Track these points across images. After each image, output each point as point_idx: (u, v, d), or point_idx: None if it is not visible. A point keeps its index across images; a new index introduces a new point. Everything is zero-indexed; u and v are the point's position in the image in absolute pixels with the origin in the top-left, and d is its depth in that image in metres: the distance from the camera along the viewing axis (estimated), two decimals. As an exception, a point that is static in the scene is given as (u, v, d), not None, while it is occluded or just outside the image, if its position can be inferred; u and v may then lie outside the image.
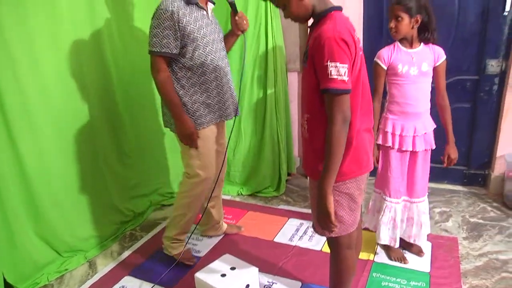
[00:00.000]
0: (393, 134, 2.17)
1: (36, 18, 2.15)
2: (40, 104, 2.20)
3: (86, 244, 2.50)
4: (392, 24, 2.04)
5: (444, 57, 2.14)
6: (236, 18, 2.15)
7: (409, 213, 2.26)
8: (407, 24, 2.03)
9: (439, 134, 2.23)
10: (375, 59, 2.16)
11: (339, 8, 1.48)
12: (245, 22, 2.16)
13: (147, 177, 2.97)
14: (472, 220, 2.70)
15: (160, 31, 1.96)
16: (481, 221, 2.68)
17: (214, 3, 2.17)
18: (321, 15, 1.44)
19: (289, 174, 3.40)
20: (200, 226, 2.61)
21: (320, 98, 1.41)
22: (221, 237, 2.63)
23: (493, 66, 2.80)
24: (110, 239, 2.63)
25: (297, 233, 2.62)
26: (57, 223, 2.35)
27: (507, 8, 2.64)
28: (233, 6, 2.13)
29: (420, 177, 2.22)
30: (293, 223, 2.75)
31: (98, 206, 2.59)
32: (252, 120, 3.21)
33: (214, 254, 2.40)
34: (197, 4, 2.04)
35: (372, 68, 2.14)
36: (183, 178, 2.24)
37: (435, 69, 2.15)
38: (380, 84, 2.18)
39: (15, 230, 2.16)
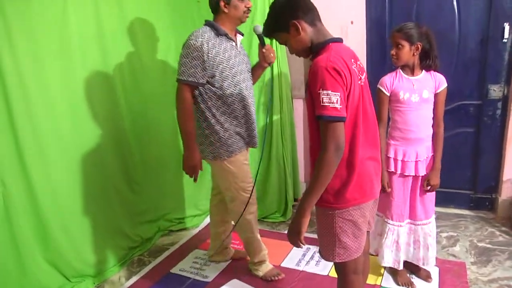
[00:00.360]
0: (395, 160, 2.21)
1: (48, 49, 2.23)
2: (51, 132, 2.26)
3: (94, 269, 2.52)
4: (393, 52, 2.11)
5: (445, 85, 2.19)
6: (264, 50, 2.21)
7: (415, 236, 2.26)
8: (407, 52, 2.09)
9: (443, 160, 2.25)
10: (378, 86, 2.22)
11: (338, 40, 1.53)
12: (272, 54, 2.23)
13: (155, 203, 3.00)
14: (480, 244, 2.69)
15: (189, 60, 2.03)
16: (489, 245, 2.67)
17: (243, 35, 2.25)
18: (319, 47, 1.50)
19: (295, 200, 3.42)
20: (208, 251, 2.63)
21: (319, 125, 1.45)
22: (228, 262, 2.64)
23: (495, 91, 2.85)
24: (118, 264, 2.65)
25: (304, 258, 2.62)
26: (65, 248, 2.37)
27: (506, 35, 2.70)
28: (261, 38, 2.18)
29: (422, 201, 2.24)
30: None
31: (106, 231, 2.62)
32: (259, 146, 3.24)
33: (222, 279, 2.41)
34: (226, 35, 2.12)
35: (376, 95, 2.20)
36: (231, 202, 2.30)
37: (435, 96, 2.19)
38: (384, 111, 2.23)
39: (24, 255, 2.18)
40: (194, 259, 2.72)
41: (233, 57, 2.13)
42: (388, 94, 2.19)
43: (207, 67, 2.05)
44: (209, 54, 2.04)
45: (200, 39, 2.04)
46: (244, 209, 2.21)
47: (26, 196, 2.20)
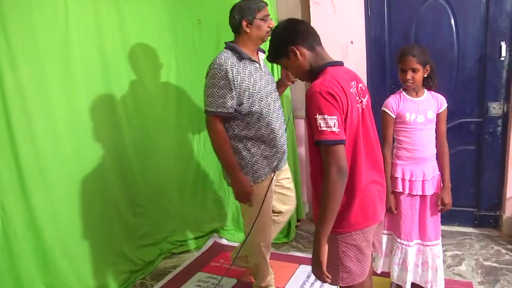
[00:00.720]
0: (403, 180, 2.21)
1: (51, 70, 2.24)
2: (52, 155, 2.25)
3: (96, 294, 2.47)
4: (409, 76, 2.13)
5: (446, 104, 2.23)
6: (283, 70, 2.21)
7: (423, 257, 2.24)
8: (421, 75, 2.14)
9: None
10: (383, 108, 2.23)
11: (337, 63, 1.54)
12: (292, 78, 2.22)
13: (158, 226, 2.96)
14: (486, 263, 2.66)
15: (216, 90, 1.98)
16: (496, 264, 2.64)
17: (264, 52, 2.19)
18: (317, 71, 1.52)
19: (298, 220, 3.39)
20: (233, 252, 2.61)
21: (318, 149, 1.45)
22: (233, 283, 2.60)
23: (495, 108, 2.87)
24: (120, 288, 2.60)
25: (308, 280, 2.58)
26: (66, 272, 2.33)
27: (503, 53, 2.74)
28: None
29: (431, 220, 2.22)
30: (304, 269, 2.71)
31: (108, 255, 2.58)
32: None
33: (226, 302, 2.37)
34: (249, 58, 2.08)
35: (380, 117, 2.22)
36: (246, 227, 2.27)
37: (437, 116, 2.22)
38: (389, 133, 2.25)
39: (23, 279, 2.15)
40: (197, 282, 2.67)
41: (258, 80, 2.08)
42: (394, 116, 2.21)
43: (235, 96, 2.00)
44: (235, 82, 1.99)
45: (224, 67, 1.98)
46: (249, 233, 2.18)
47: (26, 220, 2.17)
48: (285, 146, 2.24)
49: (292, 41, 1.52)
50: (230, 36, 2.88)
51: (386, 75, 3.04)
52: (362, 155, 1.49)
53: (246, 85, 2.04)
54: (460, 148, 3.00)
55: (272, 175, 2.17)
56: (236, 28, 2.12)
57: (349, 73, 1.56)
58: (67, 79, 2.33)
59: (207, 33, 2.97)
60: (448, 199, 2.19)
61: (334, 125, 1.36)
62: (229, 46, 2.11)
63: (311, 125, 1.42)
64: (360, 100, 1.53)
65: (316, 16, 2.97)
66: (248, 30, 2.08)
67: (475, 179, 3.05)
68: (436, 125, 2.23)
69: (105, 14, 2.52)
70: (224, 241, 3.23)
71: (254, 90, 2.06)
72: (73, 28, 2.33)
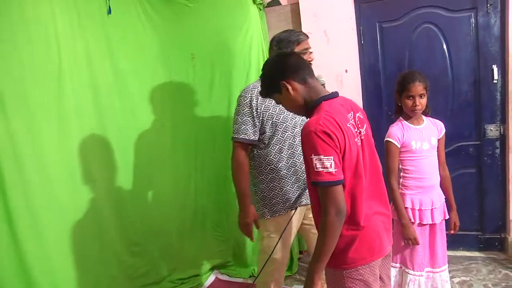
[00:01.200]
0: (413, 209, 2.19)
1: (43, 112, 2.15)
2: (45, 200, 2.14)
3: None
4: (418, 102, 2.13)
5: (444, 130, 2.25)
6: None
7: (433, 284, 2.22)
8: (426, 100, 2.16)
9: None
10: (388, 139, 2.21)
11: (332, 96, 1.50)
12: None
13: (157, 265, 2.86)
14: (496, 289, 2.62)
15: (240, 117, 2.02)
16: (506, 289, 2.60)
17: None
18: (312, 106, 1.49)
19: (300, 252, 3.31)
20: None
21: (316, 188, 1.42)
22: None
23: (492, 130, 2.88)
24: (120, 334, 2.48)
25: (318, 316, 2.49)
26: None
27: (496, 76, 2.78)
28: None
29: (440, 246, 2.21)
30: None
31: (106, 299, 2.47)
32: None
33: None
34: None
35: (385, 147, 2.21)
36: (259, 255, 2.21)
37: (438, 142, 2.23)
38: (395, 163, 2.23)
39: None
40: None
41: (285, 111, 2.04)
42: (399, 146, 2.20)
43: (258, 123, 2.01)
44: (258, 110, 2.00)
45: (249, 95, 2.02)
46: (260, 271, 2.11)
47: (17, 271, 2.01)
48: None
49: (283, 75, 1.50)
50: (225, 70, 2.91)
51: (382, 102, 3.05)
52: (363, 188, 1.46)
53: (270, 113, 2.03)
54: (461, 171, 2.99)
55: (293, 211, 2.09)
56: None
57: (345, 104, 1.52)
58: (60, 120, 2.24)
59: (200, 67, 2.95)
60: (457, 220, 2.25)
61: (331, 165, 1.34)
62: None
63: (308, 165, 1.40)
64: (358, 131, 1.50)
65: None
66: None
67: (478, 202, 3.03)
68: (437, 150, 2.24)
69: (97, 51, 2.49)
70: (225, 277, 3.14)
71: (278, 120, 2.03)
72: (65, 68, 2.26)
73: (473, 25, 2.80)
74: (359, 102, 3.05)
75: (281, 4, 3.09)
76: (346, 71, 2.96)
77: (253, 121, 2.01)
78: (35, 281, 2.06)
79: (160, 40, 2.90)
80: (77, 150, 2.35)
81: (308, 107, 1.50)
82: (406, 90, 2.17)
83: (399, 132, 2.21)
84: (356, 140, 1.46)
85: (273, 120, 2.03)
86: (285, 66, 1.52)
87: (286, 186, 2.06)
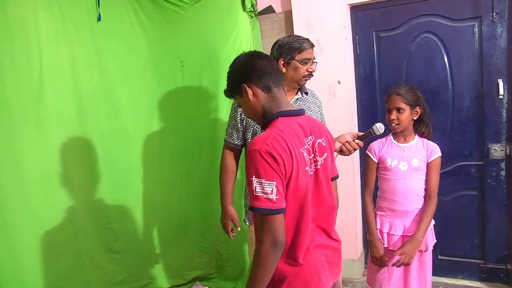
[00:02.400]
0: (381, 232, 2.04)
1: (21, 114, 2.16)
2: (16, 199, 2.13)
3: None
4: (394, 116, 1.99)
5: (438, 154, 2.04)
6: (356, 141, 1.91)
7: None
8: (408, 116, 1.99)
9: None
10: (367, 151, 2.12)
11: (292, 113, 1.37)
12: (353, 151, 1.93)
13: (136, 272, 2.81)
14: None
15: (229, 120, 2.07)
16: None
17: (307, 93, 2.10)
18: (268, 120, 1.37)
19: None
20: None
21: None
22: None
23: (496, 150, 2.63)
24: None
25: None
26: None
27: (501, 91, 2.54)
28: (367, 136, 1.93)
29: (415, 281, 2.02)
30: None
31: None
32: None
33: None
34: None
35: (364, 160, 2.11)
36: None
37: (428, 166, 2.03)
38: (371, 178, 2.11)
39: None
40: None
41: None
42: (376, 161, 2.08)
43: (240, 129, 2.02)
44: (242, 116, 2.00)
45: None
46: None
47: None
48: None
49: (245, 77, 1.39)
50: (213, 78, 2.86)
51: (377, 116, 2.87)
52: (308, 222, 1.33)
53: (251, 121, 1.96)
54: (461, 193, 2.76)
55: None
56: None
57: (307, 126, 1.38)
58: (38, 125, 2.25)
59: (189, 75, 2.91)
60: (408, 250, 1.91)
61: (272, 191, 1.21)
62: None
63: (248, 187, 1.28)
64: (313, 159, 1.37)
65: (302, 55, 2.87)
66: (284, 70, 1.99)
67: (479, 227, 2.77)
68: (426, 175, 2.05)
69: (83, 57, 2.50)
70: (208, 290, 3.07)
71: (259, 128, 1.95)
72: (46, 74, 2.26)
73: (476, 35, 2.59)
74: (353, 115, 2.90)
75: (275, 12, 3.00)
76: (339, 82, 2.82)
77: (237, 126, 2.01)
78: (3, 284, 2.07)
79: (150, 47, 2.88)
80: (55, 154, 2.36)
81: (265, 119, 1.39)
82: (386, 103, 2.04)
83: (377, 146, 2.09)
84: (307, 168, 1.33)
85: (254, 128, 1.97)
86: (252, 68, 1.39)
87: None
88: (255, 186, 1.22)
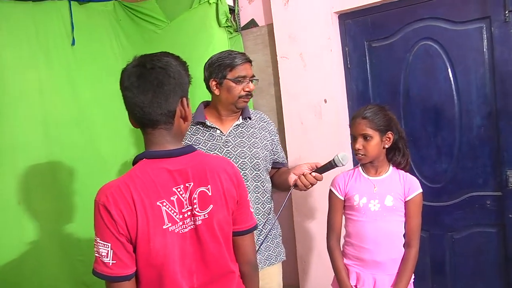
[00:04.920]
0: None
1: None
2: None
3: None
4: (359, 145, 1.65)
5: (419, 191, 1.67)
6: (313, 174, 1.69)
7: None
8: (377, 144, 1.64)
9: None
10: (330, 186, 1.77)
11: (164, 154, 1.10)
12: (309, 186, 1.70)
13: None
14: None
15: None
16: None
17: (248, 118, 1.84)
18: (134, 162, 1.12)
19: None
20: None
21: None
22: None
23: (517, 178, 2.13)
24: None
25: None
26: None
27: (521, 106, 2.05)
28: (327, 169, 1.69)
29: None
30: None
31: None
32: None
33: None
34: (203, 123, 1.78)
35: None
36: None
37: (406, 205, 1.65)
38: (336, 219, 1.76)
39: None
40: None
41: (207, 151, 1.74)
42: (342, 198, 1.72)
43: None
44: None
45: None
46: None
47: None
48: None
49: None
50: (204, 95, 2.66)
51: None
52: None
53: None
54: (475, 230, 2.27)
55: None
56: (207, 87, 1.82)
57: (183, 170, 1.11)
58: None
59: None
60: None
61: (107, 254, 1.00)
62: (200, 105, 1.85)
63: None
64: (191, 213, 1.10)
65: (284, 72, 2.56)
66: (216, 92, 1.76)
67: (499, 271, 2.24)
68: (405, 216, 1.67)
69: (52, 82, 2.42)
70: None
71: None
72: (7, 101, 2.24)
73: (486, 39, 2.14)
74: (342, 138, 2.49)
75: (258, 26, 2.74)
76: (325, 101, 2.47)
77: None
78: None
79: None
80: (17, 185, 2.30)
81: (133, 160, 1.15)
82: (350, 128, 1.70)
83: (342, 179, 1.75)
84: (167, 226, 1.06)
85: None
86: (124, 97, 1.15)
87: None
88: (94, 245, 1.03)
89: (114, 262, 1.00)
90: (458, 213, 2.25)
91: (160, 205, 1.06)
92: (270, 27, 2.66)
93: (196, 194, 1.11)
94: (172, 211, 1.07)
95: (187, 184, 1.11)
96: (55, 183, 2.45)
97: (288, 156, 2.62)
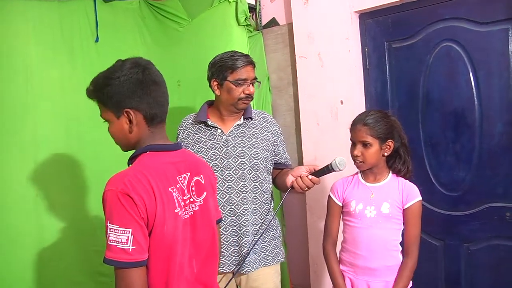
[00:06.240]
0: None
1: (4, 138, 2.22)
2: None
3: None
4: (358, 152, 1.63)
5: (418, 198, 1.63)
6: (310, 177, 1.67)
7: None
8: (376, 152, 1.61)
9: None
10: (329, 191, 1.76)
11: (164, 148, 1.19)
12: (306, 188, 1.69)
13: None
14: None
15: None
16: None
17: (250, 118, 1.85)
18: (134, 155, 1.19)
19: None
20: None
21: None
22: None
23: (540, 190, 2.01)
24: None
25: None
26: None
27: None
28: (325, 172, 1.67)
29: None
30: None
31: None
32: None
33: None
34: (205, 123, 1.83)
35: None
36: None
37: (404, 213, 1.62)
38: (333, 224, 1.75)
39: None
40: None
41: (206, 149, 1.77)
42: (340, 204, 1.71)
43: None
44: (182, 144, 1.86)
45: (179, 128, 1.89)
46: None
47: None
48: (245, 247, 1.74)
49: (130, 100, 1.21)
50: (207, 98, 2.68)
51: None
52: (182, 277, 1.14)
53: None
54: (493, 242, 2.15)
55: (231, 276, 1.73)
56: (209, 86, 1.87)
57: (181, 162, 1.22)
58: (21, 147, 2.29)
59: (185, 95, 2.79)
60: None
61: (128, 240, 1.04)
62: (204, 104, 1.92)
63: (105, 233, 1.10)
64: (188, 200, 1.19)
65: (302, 72, 2.54)
66: (217, 92, 1.81)
67: (520, 289, 2.14)
68: (404, 225, 1.63)
69: (75, 80, 2.52)
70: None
71: None
72: (32, 98, 2.32)
73: (511, 41, 2.02)
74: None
75: (279, 24, 2.72)
76: (342, 102, 2.43)
77: None
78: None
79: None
80: (36, 175, 2.39)
81: (134, 154, 1.22)
82: (351, 134, 1.67)
83: (341, 185, 1.73)
84: (178, 211, 1.14)
85: None
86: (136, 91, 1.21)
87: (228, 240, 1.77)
88: (109, 234, 1.06)
89: (134, 247, 1.04)
90: (475, 224, 2.15)
91: (171, 191, 1.14)
92: (290, 26, 2.64)
93: (193, 182, 1.22)
94: (178, 197, 1.16)
95: (184, 174, 1.21)
96: (73, 177, 2.54)
97: (304, 156, 2.61)
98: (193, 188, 1.22)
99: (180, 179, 1.20)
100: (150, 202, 1.07)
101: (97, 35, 2.66)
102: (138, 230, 1.05)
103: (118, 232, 1.04)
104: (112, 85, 1.18)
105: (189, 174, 1.22)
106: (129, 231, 1.04)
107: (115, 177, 1.11)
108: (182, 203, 1.17)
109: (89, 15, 2.59)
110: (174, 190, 1.15)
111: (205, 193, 1.25)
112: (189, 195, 1.20)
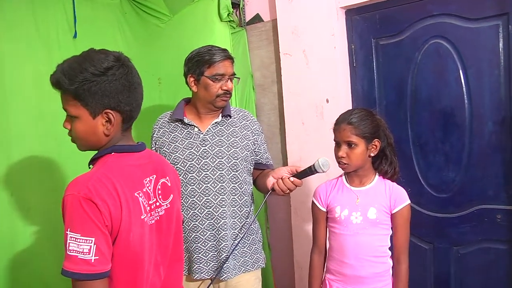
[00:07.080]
0: None
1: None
2: None
3: None
4: (342, 153, 1.53)
5: (406, 202, 1.54)
6: (292, 179, 1.58)
7: None
8: (362, 153, 1.52)
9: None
10: (312, 197, 1.67)
11: (128, 149, 1.11)
12: (287, 192, 1.60)
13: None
14: None
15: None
16: None
17: (228, 116, 1.76)
18: (97, 157, 1.11)
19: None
20: None
21: None
22: None
23: (532, 192, 1.94)
24: None
25: None
26: None
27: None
28: (307, 174, 1.58)
29: None
30: None
31: None
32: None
33: None
34: (181, 121, 1.73)
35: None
36: None
37: (392, 218, 1.53)
38: (319, 232, 1.66)
39: None
40: None
41: (182, 149, 1.68)
42: (324, 210, 1.62)
43: None
44: (156, 144, 1.75)
45: (154, 126, 1.80)
46: None
47: None
48: (226, 249, 1.65)
49: (111, 100, 1.11)
50: (187, 95, 2.59)
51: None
52: (146, 283, 1.06)
53: (164, 151, 1.70)
54: (483, 245, 2.09)
55: (210, 282, 1.65)
56: (186, 82, 1.78)
57: (147, 164, 1.14)
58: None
59: (166, 92, 2.70)
60: None
61: (90, 250, 0.95)
62: (181, 101, 1.82)
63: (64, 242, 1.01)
64: (156, 204, 1.12)
65: (287, 69, 2.45)
66: (194, 89, 1.72)
67: (510, 293, 2.07)
68: (392, 230, 1.55)
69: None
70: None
71: (170, 159, 1.67)
72: (8, 95, 2.24)
73: (502, 38, 1.95)
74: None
75: (263, 21, 2.64)
76: (327, 100, 2.34)
77: None
78: None
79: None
80: (10, 174, 2.28)
81: (97, 154, 1.13)
82: (334, 133, 1.59)
83: (324, 190, 1.64)
84: (143, 217, 1.06)
85: (166, 158, 1.64)
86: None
87: (197, 243, 1.66)
88: (69, 243, 0.97)
89: (97, 258, 0.96)
90: (465, 227, 2.08)
91: (137, 196, 1.07)
92: (274, 23, 2.55)
93: (159, 185, 1.15)
94: (145, 203, 1.09)
95: (151, 177, 1.14)
96: (49, 176, 2.43)
97: (288, 157, 2.52)
98: (159, 192, 1.16)
99: (146, 182, 1.12)
100: (115, 208, 1.00)
101: (75, 30, 2.56)
102: (102, 239, 0.97)
103: (79, 242, 0.96)
104: (99, 82, 1.07)
105: (155, 176, 1.16)
106: (92, 240, 0.96)
107: (77, 181, 1.02)
108: (148, 208, 1.11)
109: (67, 10, 2.49)
110: (140, 194, 1.08)
111: (171, 195, 1.19)
112: (155, 199, 1.14)
